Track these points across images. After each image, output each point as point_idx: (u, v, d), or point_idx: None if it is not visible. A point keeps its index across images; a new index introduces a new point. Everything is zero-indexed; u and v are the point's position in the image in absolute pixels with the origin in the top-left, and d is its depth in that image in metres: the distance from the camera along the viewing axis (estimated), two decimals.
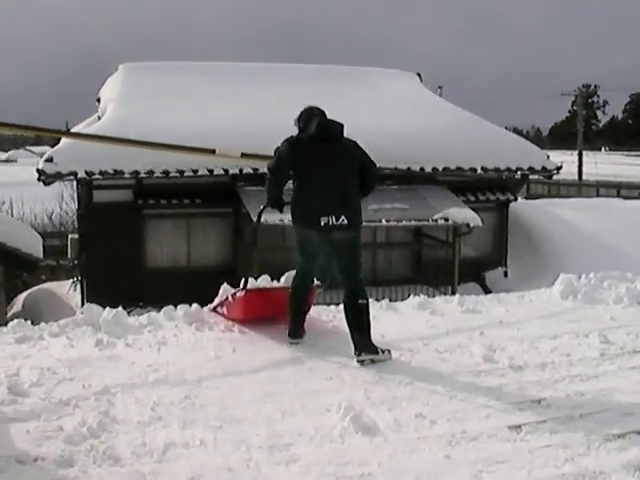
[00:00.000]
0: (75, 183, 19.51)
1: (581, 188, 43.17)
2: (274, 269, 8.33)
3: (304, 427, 5.12)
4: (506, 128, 24.28)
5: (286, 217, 7.44)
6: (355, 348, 6.60)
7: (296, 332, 7.10)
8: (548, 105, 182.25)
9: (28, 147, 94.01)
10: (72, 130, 21.72)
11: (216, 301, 7.94)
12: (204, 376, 6.14)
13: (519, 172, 19.19)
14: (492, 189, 19.37)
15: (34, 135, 55.10)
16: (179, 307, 7.97)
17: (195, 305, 7.94)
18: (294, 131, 6.99)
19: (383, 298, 9.43)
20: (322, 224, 6.66)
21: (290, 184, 6.92)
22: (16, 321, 7.73)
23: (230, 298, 7.56)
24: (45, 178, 16.46)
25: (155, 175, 16.55)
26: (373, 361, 6.51)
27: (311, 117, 6.94)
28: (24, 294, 23.11)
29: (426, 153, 17.82)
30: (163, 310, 7.96)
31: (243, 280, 7.49)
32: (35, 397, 5.62)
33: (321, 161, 6.75)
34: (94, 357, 6.60)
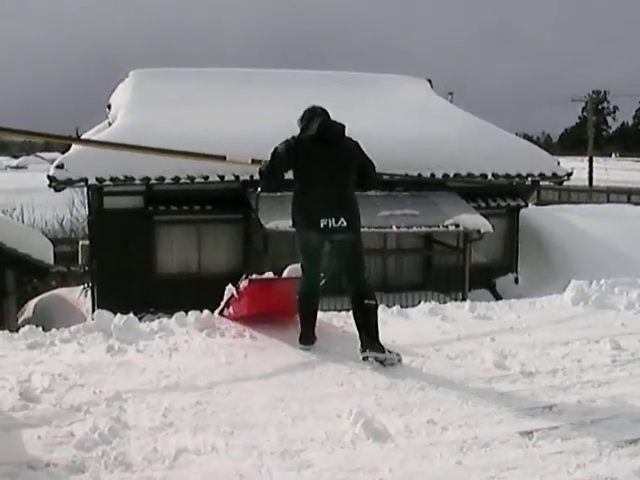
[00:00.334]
0: (86, 189, 19.53)
1: (592, 194, 43.11)
2: None
3: (315, 433, 5.11)
4: (516, 134, 24.32)
5: None
6: (361, 345, 6.62)
7: (307, 338, 7.08)
8: (558, 111, 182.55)
9: (38, 153, 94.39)
10: (82, 136, 21.78)
11: (222, 304, 7.96)
12: (215, 382, 6.13)
13: (530, 178, 19.18)
14: (503, 195, 19.37)
15: (44, 141, 55.17)
16: (190, 313, 7.96)
17: (206, 311, 7.94)
18: None
19: (394, 304, 9.43)
20: (322, 226, 6.65)
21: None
22: (27, 327, 7.73)
23: (235, 294, 7.59)
24: (56, 184, 16.52)
25: (166, 181, 16.60)
26: (377, 359, 6.50)
27: (313, 117, 6.92)
28: (35, 300, 23.17)
29: (437, 159, 17.83)
30: (174, 316, 7.95)
31: (244, 276, 7.56)
32: (46, 403, 5.61)
33: (321, 162, 6.73)
34: (105, 363, 6.59)
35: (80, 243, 21.54)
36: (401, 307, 8.85)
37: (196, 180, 16.60)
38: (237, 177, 16.47)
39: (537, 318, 8.41)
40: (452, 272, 17.33)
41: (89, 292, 19.59)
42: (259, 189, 7.30)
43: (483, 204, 18.75)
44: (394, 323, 7.98)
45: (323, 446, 4.94)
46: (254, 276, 7.70)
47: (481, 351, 6.98)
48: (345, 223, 6.67)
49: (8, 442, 4.92)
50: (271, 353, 6.93)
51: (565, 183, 21.32)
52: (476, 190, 18.81)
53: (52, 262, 20.68)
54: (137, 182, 16.61)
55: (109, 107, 21.21)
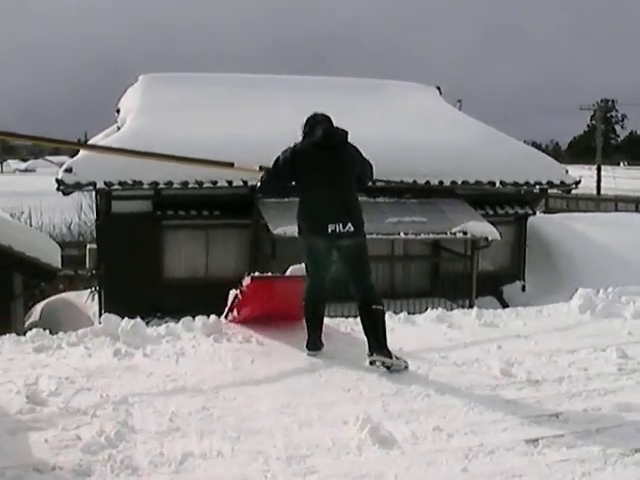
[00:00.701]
0: (94, 193, 19.56)
1: (599, 203, 43.05)
2: None
3: (321, 439, 5.12)
4: (525, 142, 24.28)
5: None
6: (369, 349, 6.63)
7: (314, 344, 7.08)
8: (567, 119, 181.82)
9: (47, 157, 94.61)
10: (91, 140, 21.83)
11: (227, 308, 7.97)
12: (222, 387, 6.15)
13: (538, 186, 19.15)
14: (511, 203, 19.33)
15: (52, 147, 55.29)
16: (197, 318, 7.97)
17: (213, 316, 7.94)
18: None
19: (401, 311, 9.44)
20: (329, 231, 6.68)
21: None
22: (34, 330, 7.75)
23: (239, 295, 7.60)
24: (64, 188, 16.54)
25: (174, 186, 16.62)
26: (384, 364, 6.52)
27: (316, 124, 6.96)
28: (42, 304, 23.18)
29: (445, 167, 17.81)
30: (181, 321, 7.96)
31: (246, 274, 7.59)
32: (53, 406, 5.64)
33: (325, 169, 6.78)
34: (112, 367, 6.61)
35: (88, 247, 21.54)
36: (408, 314, 8.85)
37: (204, 185, 16.61)
38: (245, 182, 16.44)
39: (544, 326, 8.41)
40: (459, 279, 17.30)
41: (96, 296, 19.59)
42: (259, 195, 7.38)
43: (491, 212, 18.72)
44: (401, 330, 7.98)
45: (329, 452, 4.94)
46: (256, 274, 7.72)
47: (487, 358, 6.98)
48: (352, 228, 6.70)
49: (15, 445, 4.94)
50: (278, 359, 6.94)
51: (573, 191, 21.30)
52: (484, 198, 18.78)
53: (59, 265, 20.69)
54: (145, 186, 16.62)
55: (118, 111, 21.22)
